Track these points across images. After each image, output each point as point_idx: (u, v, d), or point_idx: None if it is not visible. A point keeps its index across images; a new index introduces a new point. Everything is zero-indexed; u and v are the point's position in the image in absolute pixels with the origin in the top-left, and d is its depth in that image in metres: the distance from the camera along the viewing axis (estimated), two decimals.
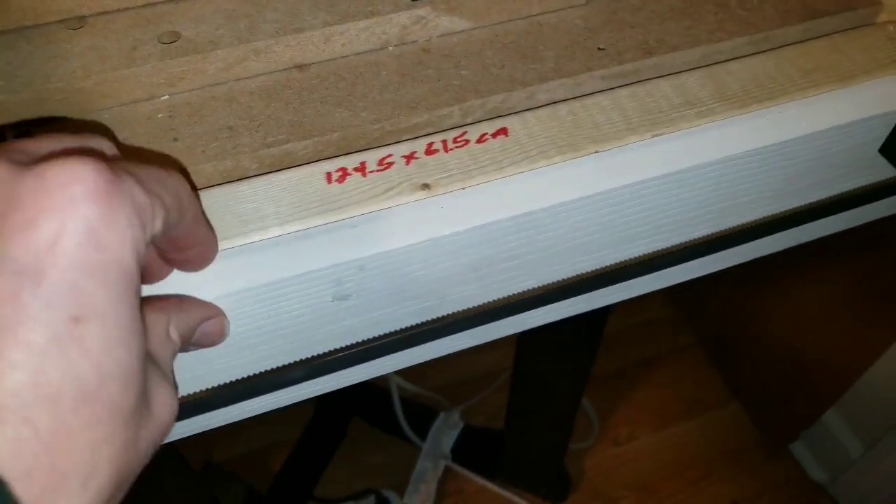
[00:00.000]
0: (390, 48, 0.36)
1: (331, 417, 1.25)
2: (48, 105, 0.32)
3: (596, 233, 0.33)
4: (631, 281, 0.37)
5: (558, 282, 0.34)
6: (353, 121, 0.33)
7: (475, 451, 1.24)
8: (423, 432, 1.24)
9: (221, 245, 0.29)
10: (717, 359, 1.40)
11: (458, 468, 1.23)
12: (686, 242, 0.36)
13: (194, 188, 0.29)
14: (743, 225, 0.37)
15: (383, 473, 1.23)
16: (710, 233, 0.37)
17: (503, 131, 0.33)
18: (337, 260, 0.29)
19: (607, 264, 0.35)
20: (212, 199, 0.30)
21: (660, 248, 0.36)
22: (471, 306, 0.33)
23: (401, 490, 1.19)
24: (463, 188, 0.31)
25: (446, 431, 1.25)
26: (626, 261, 0.36)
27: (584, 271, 0.35)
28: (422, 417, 1.24)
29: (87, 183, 0.18)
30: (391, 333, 0.32)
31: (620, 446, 1.32)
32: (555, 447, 1.15)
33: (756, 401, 1.32)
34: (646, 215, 0.34)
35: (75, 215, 0.17)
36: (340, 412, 1.27)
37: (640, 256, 0.36)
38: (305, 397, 0.35)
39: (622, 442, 1.32)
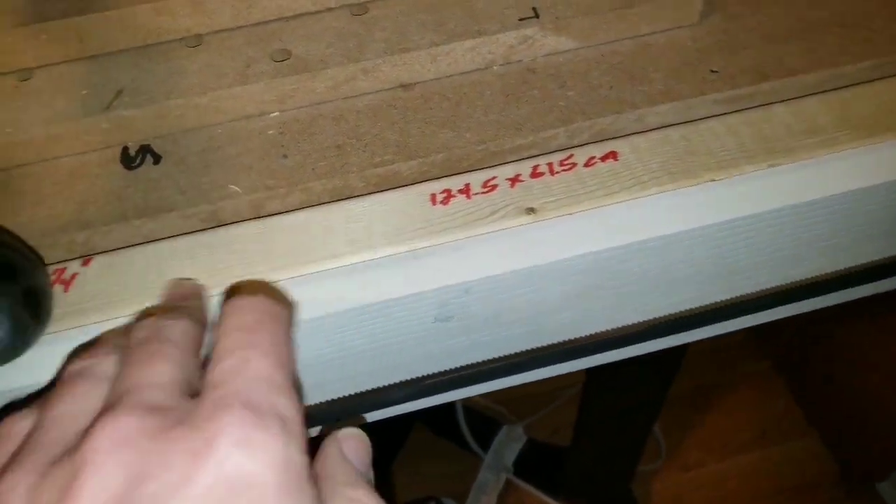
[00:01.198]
0: (495, 68, 0.36)
1: (393, 423, 1.26)
2: (167, 121, 0.33)
3: (706, 265, 0.32)
4: (733, 319, 0.36)
5: (663, 317, 0.33)
6: (457, 141, 0.33)
7: (537, 465, 1.23)
8: (485, 444, 1.23)
9: (331, 263, 0.29)
10: (796, 387, 1.34)
11: (519, 482, 1.22)
12: (800, 281, 0.35)
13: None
14: (863, 265, 0.35)
15: (444, 482, 1.23)
16: (825, 272, 0.35)
17: (612, 155, 0.32)
18: (444, 283, 0.29)
19: (713, 301, 0.34)
20: (322, 217, 0.31)
21: (771, 286, 0.35)
22: (570, 338, 0.33)
23: (461, 500, 1.19)
24: (570, 213, 0.30)
25: (509, 444, 1.23)
26: (734, 298, 0.34)
27: (690, 307, 0.34)
28: (485, 429, 1.24)
29: (235, 435, 0.18)
30: (493, 360, 0.32)
31: (689, 472, 1.27)
32: (621, 469, 1.12)
33: (838, 434, 1.26)
34: (757, 249, 0.33)
35: (234, 472, 0.18)
36: (403, 418, 1.27)
37: (748, 295, 0.34)
38: (395, 413, 0.35)
39: (691, 467, 1.28)
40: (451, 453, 1.25)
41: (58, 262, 0.30)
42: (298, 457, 0.19)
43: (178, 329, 0.23)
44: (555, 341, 0.33)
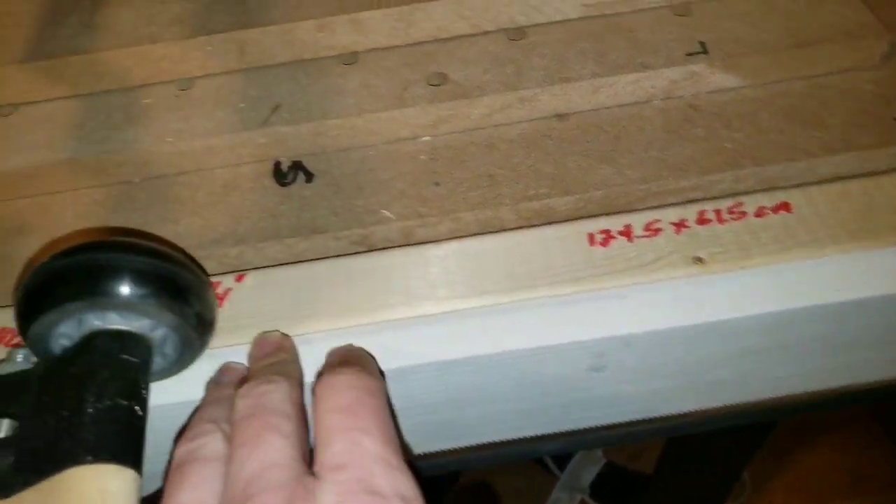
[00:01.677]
0: (655, 102, 0.34)
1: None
2: (321, 139, 0.33)
3: (883, 336, 0.30)
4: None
5: (834, 389, 0.31)
6: (617, 179, 0.32)
7: (615, 490, 1.20)
8: (562, 463, 1.21)
9: (482, 300, 0.28)
10: (894, 435, 1.26)
11: None
12: None
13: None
14: None
15: (517, 497, 1.21)
16: None
17: (785, 206, 0.30)
18: (605, 333, 0.27)
19: (883, 378, 0.32)
20: (475, 249, 0.30)
21: None
22: (727, 402, 0.31)
23: None
24: (742, 268, 0.29)
25: (587, 465, 1.21)
26: None
27: (861, 380, 0.31)
28: None
29: None
30: (644, 422, 0.31)
31: None
32: None
33: None
34: None
35: None
36: None
37: None
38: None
39: None
40: (528, 469, 1.23)
41: (211, 275, 0.31)
42: None
43: (280, 396, 0.22)
44: (707, 405, 0.31)
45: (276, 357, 0.26)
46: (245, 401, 0.22)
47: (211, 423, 0.23)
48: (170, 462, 0.22)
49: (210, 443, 0.22)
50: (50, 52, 0.35)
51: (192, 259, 0.29)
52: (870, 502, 1.22)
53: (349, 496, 0.19)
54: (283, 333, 0.27)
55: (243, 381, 0.25)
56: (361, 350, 0.27)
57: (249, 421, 0.21)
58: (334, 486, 0.20)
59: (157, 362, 0.24)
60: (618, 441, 0.32)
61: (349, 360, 0.25)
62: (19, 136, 0.34)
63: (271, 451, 0.20)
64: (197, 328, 0.24)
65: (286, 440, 0.21)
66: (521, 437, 0.32)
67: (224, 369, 0.27)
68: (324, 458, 0.21)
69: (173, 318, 0.23)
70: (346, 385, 0.22)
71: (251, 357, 0.27)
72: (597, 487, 1.19)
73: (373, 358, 0.27)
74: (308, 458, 0.21)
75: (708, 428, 0.33)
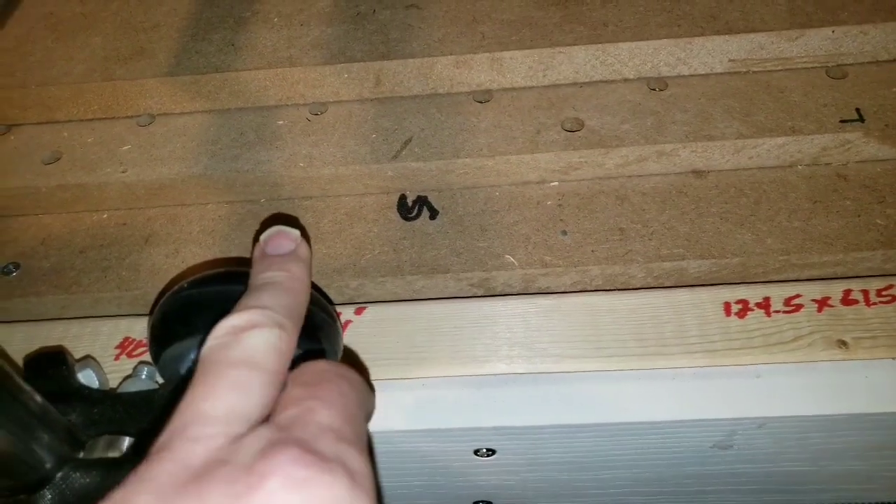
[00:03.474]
0: (799, 167, 0.33)
1: None
2: (449, 177, 0.33)
3: None
4: None
5: None
6: (756, 246, 0.30)
7: None
8: None
9: (614, 363, 0.27)
10: None
11: None
12: None
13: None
14: None
15: None
16: None
17: None
18: (738, 414, 0.26)
19: None
20: (603, 305, 0.29)
21: None
22: (850, 500, 0.29)
23: None
24: (893, 358, 0.27)
25: None
26: None
27: None
28: None
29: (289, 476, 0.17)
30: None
31: None
32: None
33: None
34: None
35: None
36: None
37: None
38: None
39: None
40: None
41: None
42: None
43: (263, 344, 0.20)
44: (831, 498, 0.29)
45: (286, 269, 0.22)
46: (225, 339, 0.20)
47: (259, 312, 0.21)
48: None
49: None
50: (192, 67, 0.36)
51: (322, 293, 0.29)
52: None
53: (278, 449, 0.17)
54: (302, 237, 0.24)
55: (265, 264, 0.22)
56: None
57: (215, 366, 0.19)
58: (267, 441, 0.17)
59: None
60: None
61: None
62: (155, 146, 0.35)
63: (219, 403, 0.18)
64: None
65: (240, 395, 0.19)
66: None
67: (279, 235, 0.24)
68: (273, 419, 0.18)
69: (297, 352, 0.23)
70: (315, 367, 0.20)
71: (262, 252, 0.23)
72: None
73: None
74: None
75: None
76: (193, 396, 0.18)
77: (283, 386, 0.20)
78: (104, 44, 0.38)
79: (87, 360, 0.27)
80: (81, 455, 0.23)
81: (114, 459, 0.23)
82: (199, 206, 0.34)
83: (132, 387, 0.25)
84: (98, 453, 0.23)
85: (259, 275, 0.22)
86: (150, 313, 0.27)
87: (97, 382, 0.26)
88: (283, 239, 0.23)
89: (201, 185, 0.34)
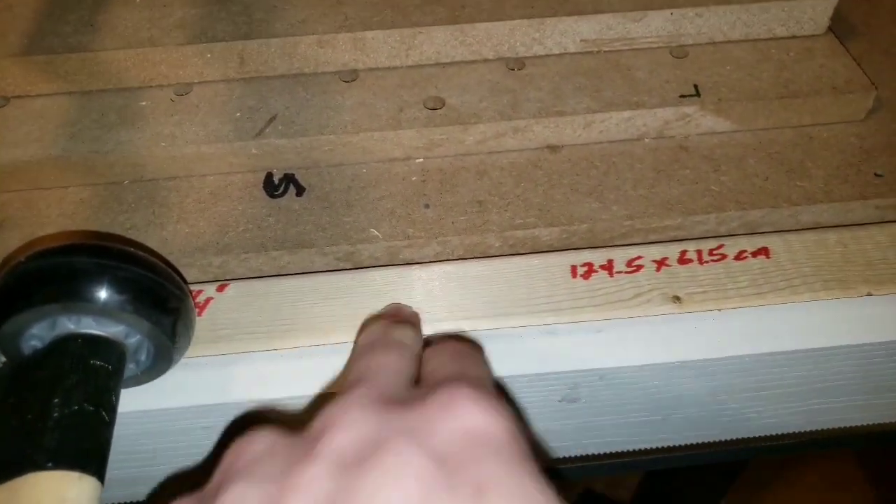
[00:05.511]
0: (646, 140, 0.35)
1: None
2: (315, 154, 0.34)
3: (851, 383, 0.30)
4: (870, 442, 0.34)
5: (798, 433, 0.32)
6: (603, 213, 0.32)
7: None
8: None
9: (463, 325, 0.28)
10: (872, 473, 1.26)
11: None
12: None
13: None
14: None
15: None
16: None
17: (764, 251, 0.31)
18: (580, 366, 0.28)
19: (851, 425, 0.32)
20: (458, 274, 0.30)
21: None
22: (695, 439, 0.31)
23: None
24: (718, 310, 0.29)
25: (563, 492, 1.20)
26: (878, 424, 0.32)
27: (828, 426, 0.32)
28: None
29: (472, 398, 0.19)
30: (613, 455, 0.31)
31: None
32: None
33: None
34: None
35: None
36: None
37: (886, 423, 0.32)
38: None
39: None
40: None
41: (192, 283, 0.31)
42: (523, 439, 0.19)
43: (409, 335, 0.25)
44: (678, 442, 0.32)
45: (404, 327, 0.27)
46: (383, 328, 0.25)
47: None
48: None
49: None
50: (48, 47, 0.35)
51: (174, 268, 0.29)
52: None
53: (454, 384, 0.19)
54: (416, 312, 0.29)
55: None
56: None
57: (376, 340, 0.24)
58: (438, 384, 0.20)
59: (130, 369, 0.24)
60: (589, 472, 0.32)
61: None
62: (9, 129, 0.34)
63: (388, 362, 0.22)
64: (173, 337, 0.24)
65: (402, 360, 0.23)
66: None
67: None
68: (428, 378, 0.22)
69: (149, 326, 0.23)
70: (455, 343, 0.25)
71: (381, 318, 0.28)
72: None
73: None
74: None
75: (679, 464, 0.33)
76: (366, 358, 0.22)
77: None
78: None
79: None
80: None
81: None
82: (59, 189, 0.33)
83: None
84: None
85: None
86: None
87: None
88: (398, 311, 0.28)
89: (60, 168, 0.33)
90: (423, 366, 0.23)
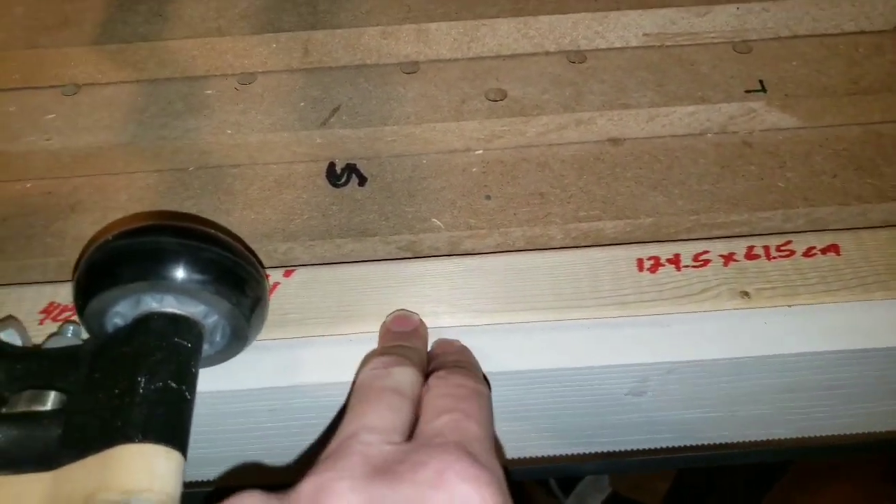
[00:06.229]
0: (709, 135, 0.35)
1: None
2: (377, 145, 0.34)
3: None
4: None
5: (869, 435, 0.31)
6: (668, 208, 0.32)
7: None
8: (568, 489, 1.20)
9: (530, 315, 0.28)
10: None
11: None
12: None
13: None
14: None
15: None
16: None
17: (834, 248, 0.30)
18: (648, 359, 0.27)
19: None
20: (523, 265, 0.30)
21: None
22: (759, 437, 0.31)
23: None
24: (787, 305, 0.29)
25: (592, 493, 1.19)
26: None
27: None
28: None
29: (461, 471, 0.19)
30: (678, 449, 0.31)
31: None
32: None
33: None
34: None
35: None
36: None
37: None
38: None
39: None
40: (532, 493, 1.22)
41: None
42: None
43: (407, 378, 0.23)
44: (742, 438, 0.31)
45: (410, 342, 0.27)
46: (378, 371, 0.24)
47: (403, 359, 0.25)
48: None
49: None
50: (119, 36, 0.36)
51: (251, 251, 0.29)
52: None
53: (444, 449, 0.20)
54: (422, 321, 0.28)
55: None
56: (471, 354, 0.28)
57: (371, 388, 0.23)
58: (429, 444, 0.20)
59: (205, 350, 0.25)
60: (652, 467, 0.32)
61: (462, 362, 0.26)
62: (81, 116, 0.35)
63: (377, 418, 0.22)
64: (249, 319, 0.25)
65: (395, 414, 0.22)
66: (552, 455, 0.32)
67: (402, 317, 0.28)
68: (427, 427, 0.21)
69: (228, 307, 0.24)
70: (461, 380, 0.24)
71: (388, 329, 0.28)
72: None
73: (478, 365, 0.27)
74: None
75: (744, 461, 0.32)
76: (357, 413, 0.22)
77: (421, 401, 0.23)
78: (27, 13, 0.38)
79: (9, 319, 0.27)
80: (3, 410, 0.23)
81: (38, 412, 0.23)
82: (127, 174, 0.34)
83: (56, 343, 0.25)
84: (21, 407, 0.23)
85: (385, 345, 0.27)
86: (75, 269, 0.27)
87: (20, 341, 0.26)
88: (405, 321, 0.28)
89: (128, 154, 0.34)
90: (423, 406, 0.23)
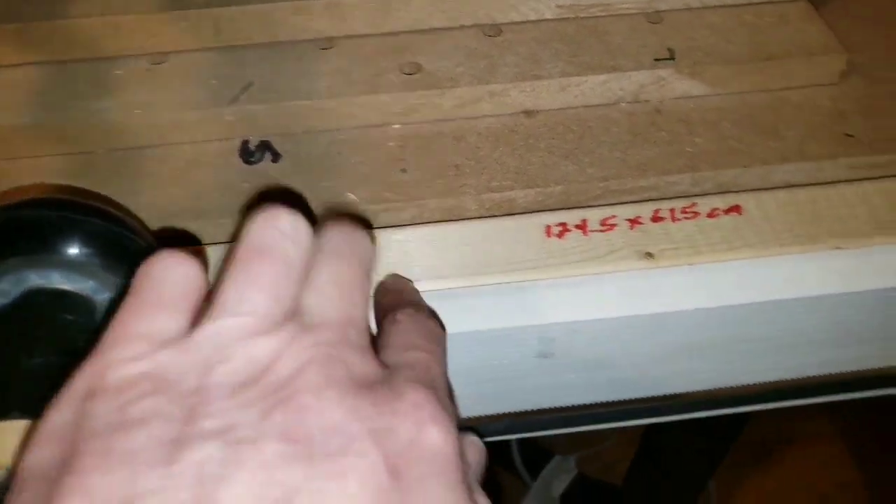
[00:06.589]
0: (622, 104, 0.35)
1: None
2: (291, 121, 0.34)
3: (821, 334, 0.31)
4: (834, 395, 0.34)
5: (767, 384, 0.32)
6: (579, 176, 0.32)
7: (585, 500, 1.20)
8: (535, 471, 1.21)
9: (440, 284, 0.29)
10: (860, 455, 1.28)
11: None
12: None
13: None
14: None
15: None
16: None
17: (736, 209, 0.31)
18: (553, 319, 0.28)
19: (819, 373, 0.32)
20: (434, 236, 0.30)
21: (887, 366, 0.33)
22: (671, 391, 0.32)
23: None
24: (689, 264, 0.29)
25: (559, 475, 1.21)
26: (844, 374, 0.33)
27: (797, 375, 0.32)
28: (536, 456, 1.22)
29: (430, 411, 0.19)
30: (588, 406, 0.31)
31: None
32: None
33: None
34: (879, 324, 0.31)
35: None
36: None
37: (860, 371, 0.33)
38: None
39: None
40: (498, 476, 1.23)
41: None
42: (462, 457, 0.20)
43: (367, 251, 0.23)
44: (653, 394, 0.32)
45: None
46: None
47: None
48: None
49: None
50: (18, 15, 0.35)
51: (145, 227, 0.29)
52: None
53: (419, 386, 0.19)
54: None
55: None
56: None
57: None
58: (406, 375, 0.20)
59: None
60: (562, 424, 0.32)
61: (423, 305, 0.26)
62: None
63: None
64: None
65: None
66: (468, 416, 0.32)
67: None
68: (405, 355, 0.21)
69: (119, 282, 0.23)
70: (431, 324, 0.24)
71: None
72: (567, 497, 1.20)
73: None
74: None
75: (656, 416, 0.33)
76: (343, 301, 0.21)
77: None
78: None
79: None
80: None
81: None
82: (32, 159, 0.33)
83: None
84: None
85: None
86: None
87: None
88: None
89: (32, 137, 0.33)
90: (393, 334, 0.23)
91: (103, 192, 0.32)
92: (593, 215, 0.31)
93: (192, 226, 0.31)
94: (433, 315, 0.26)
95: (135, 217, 0.29)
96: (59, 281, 0.23)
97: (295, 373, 0.18)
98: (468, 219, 0.32)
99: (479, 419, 0.31)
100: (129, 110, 0.33)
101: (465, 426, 0.32)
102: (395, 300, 0.26)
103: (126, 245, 0.23)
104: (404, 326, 0.23)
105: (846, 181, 0.32)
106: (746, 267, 0.29)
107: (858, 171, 0.33)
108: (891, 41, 0.38)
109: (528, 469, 1.21)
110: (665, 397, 0.32)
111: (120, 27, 0.35)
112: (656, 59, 0.35)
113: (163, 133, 0.34)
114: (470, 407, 0.31)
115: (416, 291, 0.28)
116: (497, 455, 1.23)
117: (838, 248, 0.30)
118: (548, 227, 0.31)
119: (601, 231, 0.30)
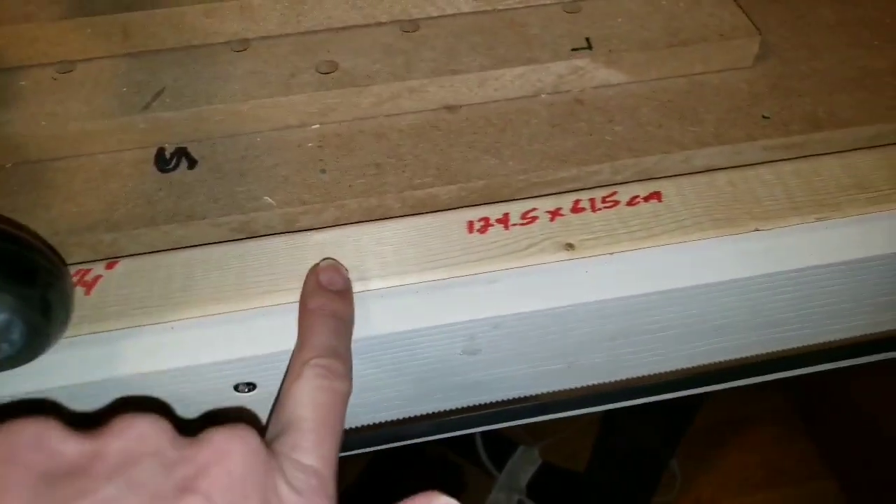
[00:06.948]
0: (543, 96, 0.35)
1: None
2: (206, 126, 0.33)
3: (743, 316, 0.31)
4: (765, 374, 0.35)
5: (695, 368, 0.32)
6: (500, 169, 0.32)
7: (552, 490, 1.21)
8: (500, 463, 1.21)
9: (362, 286, 0.28)
10: (815, 429, 1.31)
11: None
12: (839, 340, 0.33)
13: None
14: None
15: (455, 498, 1.21)
16: (866, 333, 0.34)
17: (656, 195, 0.31)
18: (474, 316, 0.28)
19: (747, 354, 0.33)
20: (354, 237, 0.30)
21: (807, 344, 0.33)
22: (600, 381, 0.32)
23: None
24: (609, 254, 0.29)
25: (524, 466, 1.22)
26: (768, 353, 0.33)
27: (723, 358, 0.33)
28: (500, 448, 1.22)
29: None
30: (521, 399, 0.31)
31: None
32: (635, 501, 1.11)
33: (856, 479, 1.22)
34: (797, 304, 0.32)
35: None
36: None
37: (784, 351, 0.33)
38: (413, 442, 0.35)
39: (704, 503, 1.25)
40: (464, 469, 1.24)
41: (82, 263, 0.30)
42: None
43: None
44: (583, 384, 0.32)
45: (339, 305, 0.27)
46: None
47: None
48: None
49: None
50: None
51: (47, 244, 0.28)
52: (791, 493, 1.26)
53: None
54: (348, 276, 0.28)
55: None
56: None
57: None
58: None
59: (4, 349, 0.23)
60: (502, 419, 0.32)
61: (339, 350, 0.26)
62: None
63: None
64: (45, 314, 0.24)
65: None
66: (402, 418, 0.32)
67: (334, 271, 0.28)
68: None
69: (14, 301, 0.22)
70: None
71: (318, 282, 0.27)
72: (534, 488, 1.21)
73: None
74: None
75: (593, 406, 0.33)
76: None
77: None
78: None
79: None
80: None
81: None
82: None
83: None
84: None
85: (315, 303, 0.27)
86: None
87: None
88: (335, 273, 0.28)
89: None
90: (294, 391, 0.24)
91: (10, 206, 0.31)
92: (515, 209, 0.31)
93: (107, 238, 0.30)
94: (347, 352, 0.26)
95: (32, 233, 0.28)
96: None
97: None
98: (390, 218, 0.31)
99: (411, 420, 0.31)
100: (35, 121, 0.32)
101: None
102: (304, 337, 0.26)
103: (19, 264, 0.23)
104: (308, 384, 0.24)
105: (764, 163, 0.33)
106: (666, 253, 0.29)
107: (775, 152, 0.33)
108: (801, 20, 0.39)
109: (493, 461, 1.21)
110: (604, 385, 0.32)
111: (21, 36, 0.34)
112: (573, 49, 0.35)
113: (73, 144, 0.33)
114: (400, 407, 0.31)
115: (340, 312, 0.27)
116: (460, 448, 1.23)
117: (757, 230, 0.30)
118: (470, 223, 0.30)
119: (522, 224, 0.30)
